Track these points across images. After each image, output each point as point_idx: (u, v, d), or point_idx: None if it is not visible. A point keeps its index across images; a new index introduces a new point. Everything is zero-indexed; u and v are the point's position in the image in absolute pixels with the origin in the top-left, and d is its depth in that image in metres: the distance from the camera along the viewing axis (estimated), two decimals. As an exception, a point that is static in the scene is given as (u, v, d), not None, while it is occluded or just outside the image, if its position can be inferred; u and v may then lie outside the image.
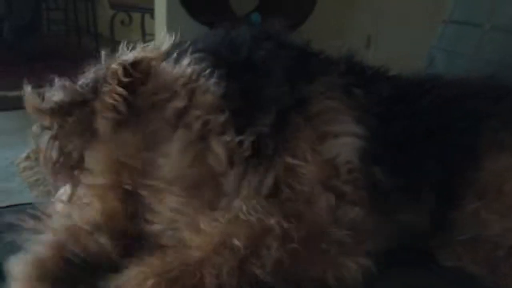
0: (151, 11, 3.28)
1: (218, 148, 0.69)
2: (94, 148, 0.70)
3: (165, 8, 2.98)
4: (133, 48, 0.73)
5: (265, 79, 0.74)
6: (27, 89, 0.71)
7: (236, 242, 0.62)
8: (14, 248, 0.78)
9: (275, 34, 0.83)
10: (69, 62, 4.05)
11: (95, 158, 0.70)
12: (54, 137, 0.70)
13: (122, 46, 0.73)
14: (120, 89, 0.67)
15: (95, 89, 0.69)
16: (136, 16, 3.75)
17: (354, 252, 0.67)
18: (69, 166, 0.71)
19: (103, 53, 0.72)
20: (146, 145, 0.69)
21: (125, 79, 0.68)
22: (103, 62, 0.72)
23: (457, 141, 0.79)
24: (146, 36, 3.61)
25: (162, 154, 0.69)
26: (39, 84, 0.72)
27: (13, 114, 2.99)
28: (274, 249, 0.63)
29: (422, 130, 0.78)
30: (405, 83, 0.86)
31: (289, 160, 0.70)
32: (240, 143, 0.70)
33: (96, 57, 0.73)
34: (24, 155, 2.69)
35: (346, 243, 0.66)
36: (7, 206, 0.92)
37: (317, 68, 0.78)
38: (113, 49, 0.74)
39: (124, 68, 0.68)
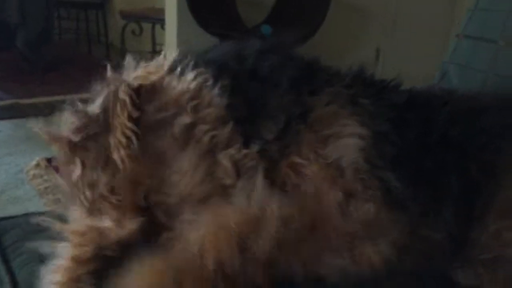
0: (161, 22, 3.30)
1: (225, 161, 0.70)
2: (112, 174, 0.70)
3: (176, 18, 3.00)
4: (139, 63, 0.75)
5: (270, 88, 0.75)
6: (38, 124, 0.73)
7: (232, 223, 0.63)
8: (30, 259, 0.78)
9: (283, 47, 0.84)
10: (80, 71, 4.09)
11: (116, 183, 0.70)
12: (81, 174, 0.71)
13: (128, 60, 0.75)
14: (130, 124, 0.69)
15: (107, 121, 0.70)
16: (147, 26, 3.78)
17: (372, 242, 0.67)
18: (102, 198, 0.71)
19: (108, 66, 0.74)
20: (157, 163, 0.70)
21: (135, 112, 0.69)
22: (109, 77, 0.73)
23: (476, 156, 0.77)
24: (156, 46, 3.64)
25: (174, 171, 0.70)
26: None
27: (24, 122, 3.01)
28: (274, 230, 0.63)
29: (438, 141, 0.77)
30: (418, 95, 0.84)
31: (294, 159, 0.71)
32: (246, 154, 0.71)
33: (104, 67, 0.75)
34: (33, 163, 2.69)
35: (360, 236, 0.67)
36: (18, 216, 0.92)
37: (322, 80, 0.79)
38: (122, 59, 0.75)
39: (131, 97, 0.69)
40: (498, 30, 1.07)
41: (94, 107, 0.73)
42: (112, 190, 0.70)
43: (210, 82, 0.73)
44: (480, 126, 0.80)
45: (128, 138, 0.69)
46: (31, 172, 2.31)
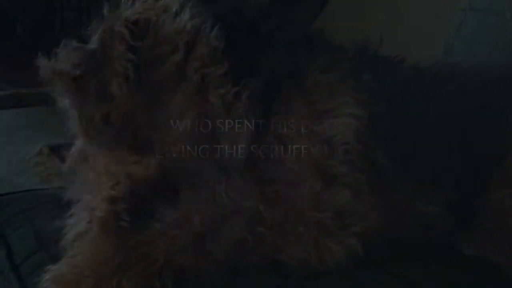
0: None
1: (215, 99, 0.70)
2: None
3: (178, 7, 2.98)
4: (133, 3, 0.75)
5: (265, 45, 0.74)
6: (42, 57, 0.75)
7: (194, 218, 0.63)
8: (26, 233, 0.77)
9: (284, 14, 0.82)
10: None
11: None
12: (76, 103, 0.72)
13: (124, 1, 0.75)
14: (129, 55, 0.70)
15: (104, 55, 0.71)
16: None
17: (338, 234, 0.66)
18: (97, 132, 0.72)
19: (106, 8, 0.74)
20: (152, 100, 0.71)
21: (133, 42, 0.70)
22: (105, 18, 0.74)
23: (480, 129, 0.76)
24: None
25: (167, 110, 0.70)
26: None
27: (27, 111, 3.01)
28: (238, 230, 0.63)
29: (440, 115, 0.76)
30: (423, 70, 0.83)
31: (283, 131, 0.69)
32: (237, 95, 0.70)
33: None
34: (36, 150, 2.70)
35: (328, 226, 0.65)
36: (14, 192, 0.92)
37: (322, 48, 0.77)
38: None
39: (129, 29, 0.70)
40: (505, 1, 1.05)
41: (91, 43, 0.73)
42: (107, 124, 0.71)
43: (208, 23, 0.72)
44: (485, 100, 0.79)
45: (126, 68, 0.69)
46: (34, 160, 2.31)
